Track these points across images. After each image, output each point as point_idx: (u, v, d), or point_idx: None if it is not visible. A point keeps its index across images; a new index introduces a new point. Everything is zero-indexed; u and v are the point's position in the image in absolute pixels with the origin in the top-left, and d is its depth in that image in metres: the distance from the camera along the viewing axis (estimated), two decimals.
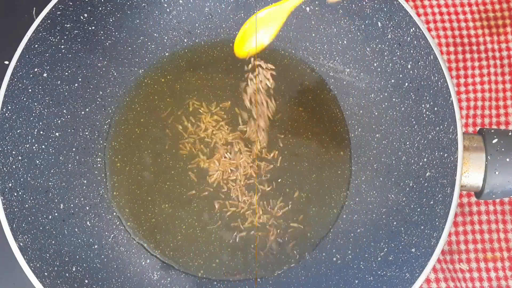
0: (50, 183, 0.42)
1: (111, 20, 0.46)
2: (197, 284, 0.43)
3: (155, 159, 0.46)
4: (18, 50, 0.40)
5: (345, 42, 0.47)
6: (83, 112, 0.46)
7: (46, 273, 0.37)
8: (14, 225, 0.37)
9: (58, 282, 0.37)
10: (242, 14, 0.49)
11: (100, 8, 0.45)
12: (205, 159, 0.46)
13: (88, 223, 0.43)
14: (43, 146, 0.42)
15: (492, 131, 0.37)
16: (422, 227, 0.38)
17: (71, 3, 0.43)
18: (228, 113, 0.48)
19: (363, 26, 0.45)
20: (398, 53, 0.42)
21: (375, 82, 0.45)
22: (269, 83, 0.46)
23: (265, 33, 0.40)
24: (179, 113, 0.48)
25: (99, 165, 0.46)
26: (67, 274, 0.39)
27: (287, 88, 0.48)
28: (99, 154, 0.46)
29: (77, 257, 0.41)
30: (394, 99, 0.44)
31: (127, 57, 0.48)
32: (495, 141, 0.37)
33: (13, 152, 0.40)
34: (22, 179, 0.40)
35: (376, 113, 0.45)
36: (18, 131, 0.40)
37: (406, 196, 0.41)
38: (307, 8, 0.48)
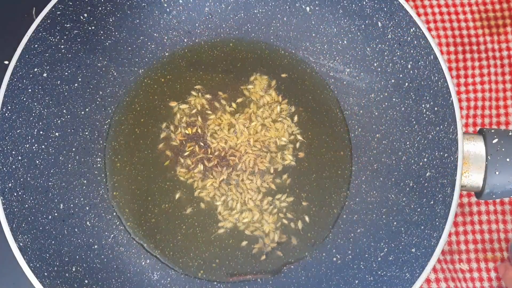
0: (50, 183, 0.42)
1: (111, 20, 0.46)
2: (197, 284, 0.43)
3: (155, 159, 0.46)
4: (18, 50, 0.40)
5: (345, 42, 0.47)
6: (83, 112, 0.46)
7: (46, 273, 0.37)
8: (14, 225, 0.37)
9: (58, 282, 0.37)
10: (242, 14, 0.49)
11: (100, 8, 0.45)
12: (205, 158, 0.46)
13: (88, 223, 0.43)
14: (43, 146, 0.42)
15: (492, 131, 0.37)
16: (422, 227, 0.38)
17: (71, 3, 0.43)
18: (228, 112, 0.48)
19: (363, 26, 0.45)
20: (398, 53, 0.42)
21: (375, 82, 0.45)
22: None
23: None
24: (179, 113, 0.48)
25: (99, 165, 0.46)
26: (67, 274, 0.39)
27: (287, 88, 0.48)
28: (99, 154, 0.46)
29: (77, 257, 0.41)
30: (394, 99, 0.44)
31: (127, 57, 0.48)
32: (495, 141, 0.37)
33: (13, 152, 0.40)
34: (22, 179, 0.40)
35: (376, 113, 0.45)
36: (18, 131, 0.40)
37: (406, 196, 0.41)
38: (307, 8, 0.48)
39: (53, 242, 0.40)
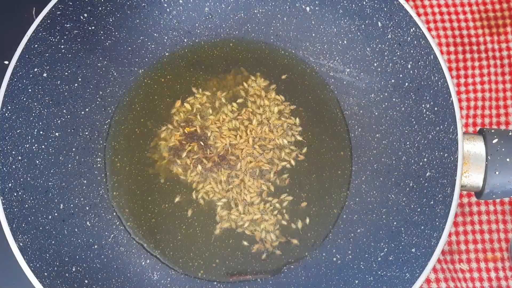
0: (50, 183, 0.42)
1: (111, 20, 0.46)
2: (197, 284, 0.43)
3: (155, 159, 0.46)
4: (18, 50, 0.40)
5: (345, 42, 0.47)
6: (83, 112, 0.46)
7: (46, 273, 0.37)
8: (14, 225, 0.37)
9: (58, 282, 0.37)
10: (242, 14, 0.49)
11: (100, 8, 0.45)
12: (205, 158, 0.46)
13: (88, 223, 0.43)
14: (43, 146, 0.42)
15: (492, 131, 0.37)
16: (422, 227, 0.38)
17: (71, 3, 0.43)
18: (228, 112, 0.48)
19: (363, 26, 0.45)
20: (398, 53, 0.42)
21: (375, 82, 0.45)
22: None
23: None
24: (179, 113, 0.48)
25: (99, 165, 0.46)
26: (67, 274, 0.39)
27: (287, 88, 0.48)
28: (99, 154, 0.46)
29: (77, 257, 0.41)
30: (394, 99, 0.44)
31: (127, 57, 0.48)
32: (495, 141, 0.37)
33: (13, 152, 0.40)
34: (22, 179, 0.40)
35: (376, 113, 0.45)
36: (18, 131, 0.40)
37: (406, 196, 0.41)
38: (307, 8, 0.48)
39: (53, 242, 0.40)
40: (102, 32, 0.46)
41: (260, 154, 0.46)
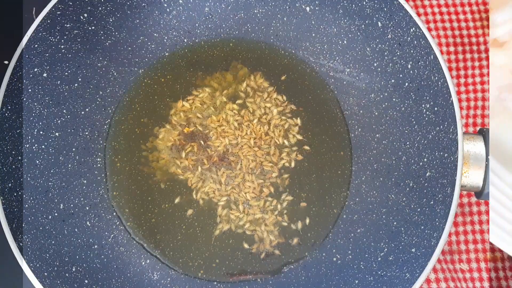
0: (50, 183, 0.42)
1: (111, 20, 0.46)
2: (197, 284, 0.43)
3: (155, 159, 0.46)
4: (18, 50, 0.40)
5: (345, 42, 0.47)
6: (83, 112, 0.46)
7: (46, 273, 0.37)
8: (14, 225, 0.37)
9: (58, 282, 0.37)
10: (242, 14, 0.49)
11: (100, 8, 0.45)
12: (205, 158, 0.46)
13: (88, 223, 0.43)
14: (43, 146, 0.42)
15: None
16: (422, 227, 0.38)
17: (71, 3, 0.43)
18: (228, 112, 0.48)
19: (363, 26, 0.45)
20: (398, 53, 0.42)
21: (375, 82, 0.45)
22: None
23: None
24: (179, 113, 0.48)
25: (99, 165, 0.46)
26: (67, 274, 0.39)
27: (287, 88, 0.48)
28: (99, 154, 0.46)
29: (77, 257, 0.41)
30: (394, 99, 0.44)
31: (127, 57, 0.48)
32: None
33: (13, 152, 0.40)
34: (22, 179, 0.40)
35: (376, 113, 0.45)
36: (18, 131, 0.40)
37: (406, 196, 0.41)
38: (307, 8, 0.48)
39: (53, 242, 0.40)
40: (102, 32, 0.46)
41: (260, 154, 0.46)
